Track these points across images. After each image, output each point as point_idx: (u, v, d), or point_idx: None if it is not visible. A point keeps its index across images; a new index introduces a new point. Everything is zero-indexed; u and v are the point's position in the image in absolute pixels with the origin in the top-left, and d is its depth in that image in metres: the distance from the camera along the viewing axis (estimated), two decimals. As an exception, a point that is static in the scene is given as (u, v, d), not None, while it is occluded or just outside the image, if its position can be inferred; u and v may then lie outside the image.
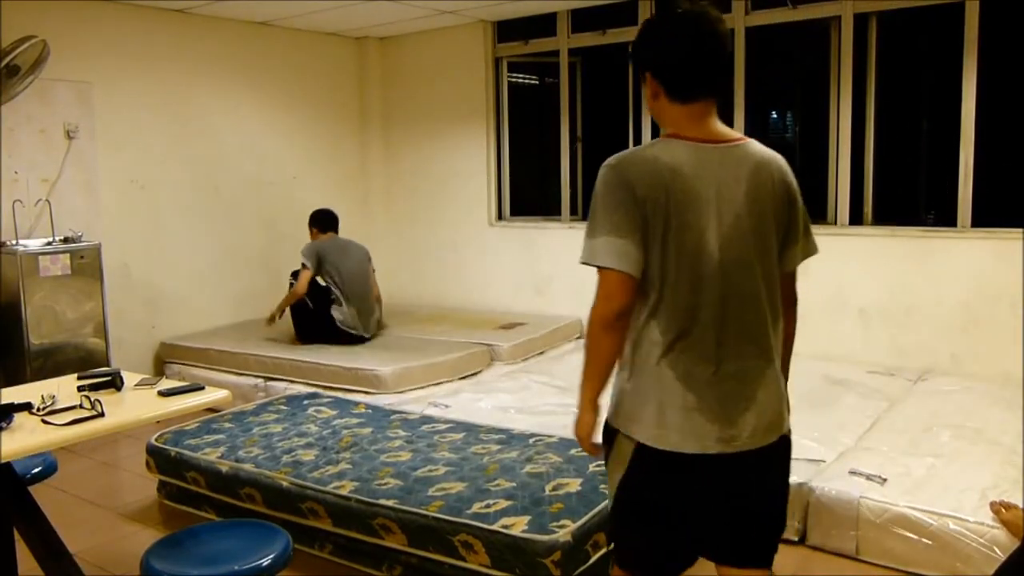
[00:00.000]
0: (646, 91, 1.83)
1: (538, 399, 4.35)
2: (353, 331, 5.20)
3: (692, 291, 1.73)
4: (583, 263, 1.76)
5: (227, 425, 3.78)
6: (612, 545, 2.02)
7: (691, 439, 1.74)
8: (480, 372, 5.08)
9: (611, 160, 1.77)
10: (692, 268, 1.73)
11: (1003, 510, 2.77)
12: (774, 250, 1.82)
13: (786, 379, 2.00)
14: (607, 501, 2.15)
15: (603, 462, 1.94)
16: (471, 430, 3.62)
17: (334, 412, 3.95)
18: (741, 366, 1.77)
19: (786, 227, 1.84)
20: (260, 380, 5.05)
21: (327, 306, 5.16)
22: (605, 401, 1.89)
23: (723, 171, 1.75)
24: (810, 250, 1.92)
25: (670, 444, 1.75)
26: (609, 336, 1.77)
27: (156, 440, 3.63)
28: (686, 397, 1.74)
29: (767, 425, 1.80)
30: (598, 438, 1.92)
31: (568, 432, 2.09)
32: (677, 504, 1.81)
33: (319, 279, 5.20)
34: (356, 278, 5.26)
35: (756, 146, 1.84)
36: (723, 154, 1.77)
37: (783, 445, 1.86)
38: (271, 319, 5.35)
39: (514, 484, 2.93)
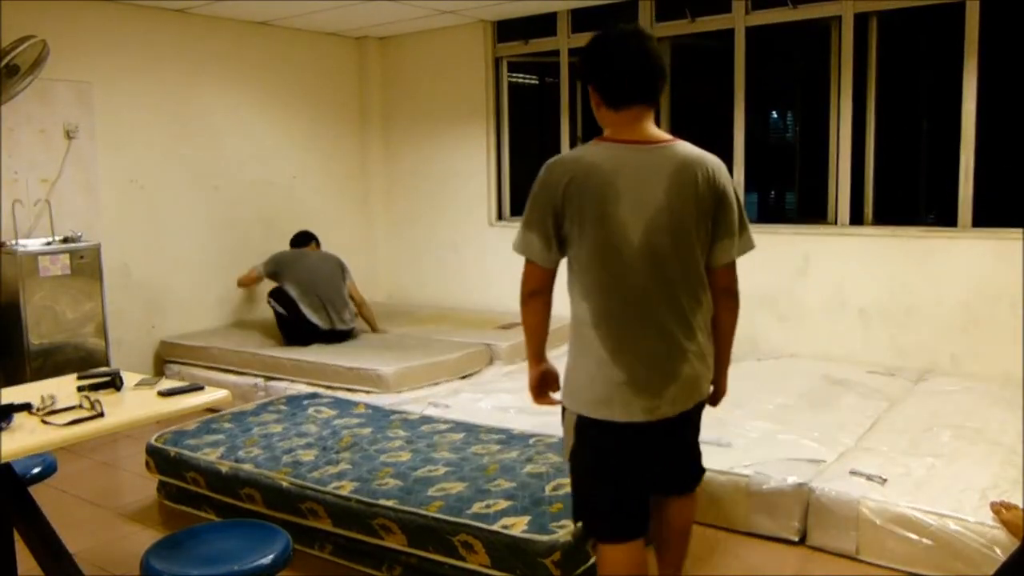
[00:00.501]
0: (591, 101, 2.09)
1: (538, 399, 4.34)
2: (326, 327, 5.24)
3: (616, 277, 1.98)
4: (513, 248, 2.09)
5: (227, 425, 3.78)
6: (578, 522, 2.24)
7: (620, 410, 1.99)
8: (480, 371, 5.08)
9: (547, 162, 2.05)
10: (615, 256, 1.96)
11: (1003, 510, 2.77)
12: (696, 242, 2.03)
13: (725, 370, 2.21)
14: None
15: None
16: (471, 430, 3.62)
17: (334, 412, 3.95)
18: (664, 344, 2.00)
19: (715, 222, 2.04)
20: (260, 380, 5.05)
21: (298, 309, 5.21)
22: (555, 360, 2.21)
23: (646, 169, 1.99)
24: (745, 246, 2.12)
25: (602, 414, 2.01)
26: (527, 307, 2.12)
27: (156, 440, 3.63)
28: (617, 373, 1.98)
29: (687, 394, 2.06)
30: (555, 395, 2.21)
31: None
32: (615, 462, 2.06)
33: (288, 289, 5.26)
34: (319, 280, 5.32)
35: (685, 147, 2.07)
36: (649, 154, 2.01)
37: (696, 407, 2.15)
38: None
39: (514, 484, 2.93)
